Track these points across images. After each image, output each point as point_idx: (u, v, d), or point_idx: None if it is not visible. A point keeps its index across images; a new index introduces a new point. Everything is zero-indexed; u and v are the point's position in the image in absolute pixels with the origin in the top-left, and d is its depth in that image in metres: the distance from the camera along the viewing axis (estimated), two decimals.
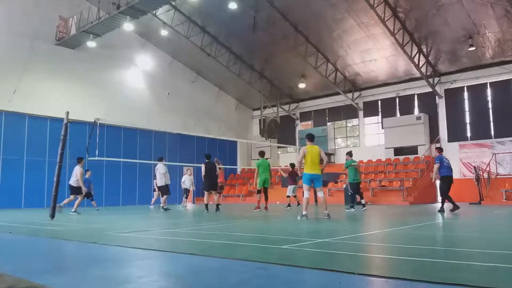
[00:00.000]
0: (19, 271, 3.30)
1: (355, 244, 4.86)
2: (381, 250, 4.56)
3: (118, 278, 3.12)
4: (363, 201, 13.18)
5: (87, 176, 15.92)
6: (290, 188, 15.37)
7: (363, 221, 8.77)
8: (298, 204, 14.56)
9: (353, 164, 13.22)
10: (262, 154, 13.50)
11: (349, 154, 13.55)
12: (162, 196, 14.61)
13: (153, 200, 18.06)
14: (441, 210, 10.76)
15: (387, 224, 7.73)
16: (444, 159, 11.30)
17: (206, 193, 12.66)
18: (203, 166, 12.45)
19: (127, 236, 6.26)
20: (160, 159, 15.09)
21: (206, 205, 12.36)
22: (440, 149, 11.69)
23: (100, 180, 19.48)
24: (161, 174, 14.46)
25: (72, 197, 13.30)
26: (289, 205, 14.83)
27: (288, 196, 15.27)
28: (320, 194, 9.08)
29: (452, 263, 3.49)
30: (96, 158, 11.30)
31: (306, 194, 8.98)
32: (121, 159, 19.02)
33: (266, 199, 13.21)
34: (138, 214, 12.81)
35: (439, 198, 12.93)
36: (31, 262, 3.99)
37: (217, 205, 12.38)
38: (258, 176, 12.83)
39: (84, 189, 13.32)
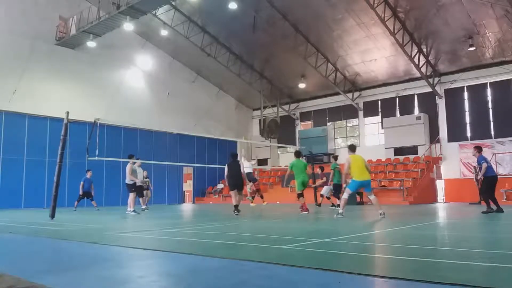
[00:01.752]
0: (19, 271, 3.30)
1: (355, 244, 4.86)
2: (381, 250, 4.55)
3: (118, 278, 3.12)
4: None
5: (88, 176, 15.93)
6: (326, 188, 15.40)
7: (363, 221, 8.78)
8: (333, 205, 14.44)
9: (337, 167, 14.20)
10: (298, 154, 12.49)
11: (334, 158, 14.59)
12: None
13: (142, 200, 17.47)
14: (489, 211, 10.36)
15: (387, 224, 7.72)
16: (487, 159, 10.95)
17: (232, 193, 11.67)
18: (226, 166, 11.91)
19: (127, 236, 6.26)
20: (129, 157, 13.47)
21: (236, 206, 11.32)
22: (480, 149, 11.13)
23: (100, 180, 19.50)
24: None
25: (132, 195, 12.58)
26: (333, 205, 14.53)
27: (328, 198, 15.11)
28: (371, 197, 9.52)
29: (452, 263, 3.49)
30: (96, 158, 11.28)
31: (345, 195, 9.55)
32: (121, 159, 19.02)
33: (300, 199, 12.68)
34: (138, 214, 12.78)
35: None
36: (31, 262, 3.99)
37: (236, 206, 11.65)
38: (295, 179, 12.06)
39: (138, 181, 12.84)
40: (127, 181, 12.63)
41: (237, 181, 11.65)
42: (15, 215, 12.61)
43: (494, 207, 10.52)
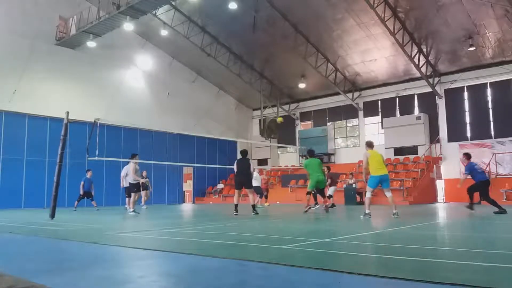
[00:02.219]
0: (19, 271, 3.30)
1: (355, 244, 4.86)
2: (381, 250, 4.55)
3: (118, 278, 3.12)
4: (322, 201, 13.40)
5: (88, 176, 15.96)
6: (331, 189, 15.32)
7: (363, 221, 8.76)
8: (317, 204, 14.16)
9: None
10: (310, 153, 12.34)
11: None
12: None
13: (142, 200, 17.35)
14: (501, 211, 10.33)
15: (387, 224, 7.72)
16: (475, 166, 10.94)
17: (236, 192, 11.32)
18: (235, 163, 11.38)
19: (127, 236, 6.26)
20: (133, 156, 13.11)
21: (235, 206, 10.96)
22: (468, 156, 11.21)
23: (100, 180, 19.50)
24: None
25: (138, 194, 12.49)
26: (333, 205, 14.36)
27: (330, 196, 14.86)
28: (388, 194, 9.40)
29: (452, 263, 3.49)
30: (96, 158, 11.28)
31: (368, 194, 9.44)
32: (121, 159, 19.02)
33: (324, 197, 12.49)
34: (138, 214, 12.77)
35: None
36: (31, 262, 3.99)
37: (253, 206, 11.10)
38: (310, 178, 11.81)
39: (142, 181, 12.55)
40: (131, 180, 12.57)
41: (243, 179, 11.13)
42: (15, 215, 12.61)
43: (475, 205, 10.83)
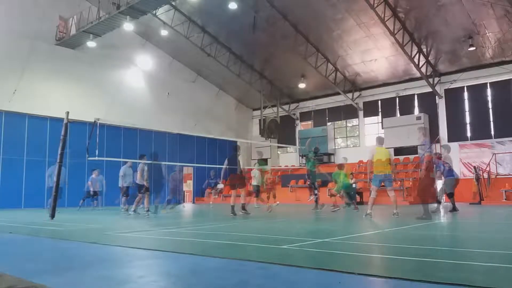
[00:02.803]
0: (19, 271, 3.30)
1: (355, 244, 4.86)
2: (381, 250, 4.56)
3: (118, 278, 3.12)
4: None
5: (93, 176, 16.11)
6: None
7: (363, 221, 8.77)
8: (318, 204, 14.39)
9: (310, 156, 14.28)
10: (340, 166, 13.49)
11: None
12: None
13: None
14: (436, 211, 10.76)
15: (387, 224, 7.72)
16: (444, 165, 11.36)
17: (232, 192, 11.05)
18: (225, 160, 11.12)
19: (127, 236, 6.26)
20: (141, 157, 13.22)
21: (232, 207, 10.58)
22: (440, 156, 11.89)
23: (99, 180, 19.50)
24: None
25: (139, 196, 12.48)
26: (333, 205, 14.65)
27: (332, 196, 15.01)
28: (391, 193, 9.37)
29: (452, 263, 3.49)
30: (96, 158, 11.26)
31: (373, 194, 9.36)
32: (121, 159, 19.00)
33: (353, 199, 13.99)
34: (138, 214, 12.77)
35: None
36: (31, 262, 3.99)
37: (243, 205, 11.00)
38: (337, 183, 13.08)
39: (146, 185, 12.44)
40: (138, 181, 12.56)
41: (235, 179, 10.92)
42: (15, 215, 12.61)
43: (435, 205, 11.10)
